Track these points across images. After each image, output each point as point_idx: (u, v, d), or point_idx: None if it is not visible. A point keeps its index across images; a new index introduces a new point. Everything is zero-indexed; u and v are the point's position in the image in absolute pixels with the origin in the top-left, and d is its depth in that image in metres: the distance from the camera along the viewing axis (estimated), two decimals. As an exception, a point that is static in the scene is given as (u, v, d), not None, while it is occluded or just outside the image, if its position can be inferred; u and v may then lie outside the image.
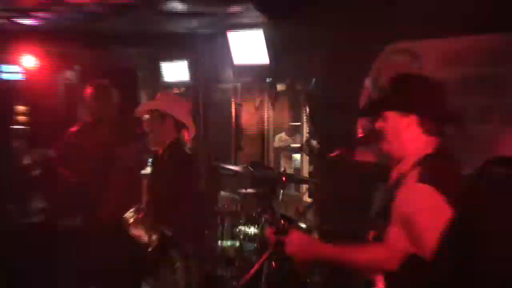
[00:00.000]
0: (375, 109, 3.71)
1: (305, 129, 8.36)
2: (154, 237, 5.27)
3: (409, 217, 3.29)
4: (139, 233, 5.31)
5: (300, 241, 3.17)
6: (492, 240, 3.45)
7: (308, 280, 5.74)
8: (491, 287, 3.37)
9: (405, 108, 3.49)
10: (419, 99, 3.50)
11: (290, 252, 3.17)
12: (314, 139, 7.65)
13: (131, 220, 5.32)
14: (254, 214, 6.50)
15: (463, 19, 5.36)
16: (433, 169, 3.34)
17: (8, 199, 8.81)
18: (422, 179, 3.29)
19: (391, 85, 3.72)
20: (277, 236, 3.18)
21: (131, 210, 5.38)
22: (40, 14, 7.95)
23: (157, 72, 10.60)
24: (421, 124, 3.49)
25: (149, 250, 5.31)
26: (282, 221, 3.22)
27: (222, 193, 9.12)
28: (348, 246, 3.40)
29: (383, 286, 3.48)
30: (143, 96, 9.55)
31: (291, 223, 3.24)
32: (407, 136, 3.51)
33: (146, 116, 5.71)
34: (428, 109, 3.50)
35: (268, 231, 3.26)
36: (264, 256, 3.76)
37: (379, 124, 3.61)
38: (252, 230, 6.50)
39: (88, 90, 6.78)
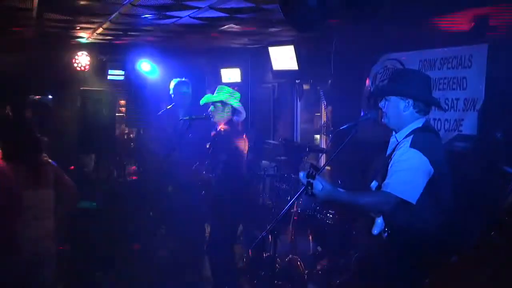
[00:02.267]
0: (383, 93, 3.72)
1: (323, 116, 8.34)
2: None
3: (401, 173, 3.30)
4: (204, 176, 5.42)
5: (323, 185, 3.17)
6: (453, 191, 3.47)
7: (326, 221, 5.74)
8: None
9: (404, 94, 3.50)
10: (414, 87, 3.51)
11: (316, 192, 3.18)
12: (329, 123, 7.65)
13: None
14: (285, 175, 6.51)
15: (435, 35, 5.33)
16: (421, 139, 3.37)
17: (113, 165, 8.86)
18: (413, 146, 3.32)
19: (395, 76, 3.73)
20: (308, 179, 3.18)
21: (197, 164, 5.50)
22: (139, 33, 8.01)
23: (218, 76, 10.62)
24: (415, 106, 3.50)
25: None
26: (312, 169, 3.21)
27: (264, 161, 9.15)
28: (355, 192, 3.41)
29: (380, 221, 3.50)
30: (208, 92, 9.58)
31: (318, 170, 3.22)
32: (404, 114, 3.53)
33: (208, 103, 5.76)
34: (421, 95, 3.51)
35: (302, 174, 3.25)
36: (294, 199, 3.78)
37: (381, 105, 3.62)
38: (284, 186, 6.52)
39: (172, 85, 6.83)
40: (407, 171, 3.30)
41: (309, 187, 3.16)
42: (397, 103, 3.54)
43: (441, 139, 3.63)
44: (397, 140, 3.55)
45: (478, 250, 2.55)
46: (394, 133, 3.62)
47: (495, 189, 2.78)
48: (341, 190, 3.29)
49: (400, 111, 3.54)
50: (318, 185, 3.17)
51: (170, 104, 6.94)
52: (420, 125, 3.51)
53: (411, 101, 3.51)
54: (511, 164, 2.62)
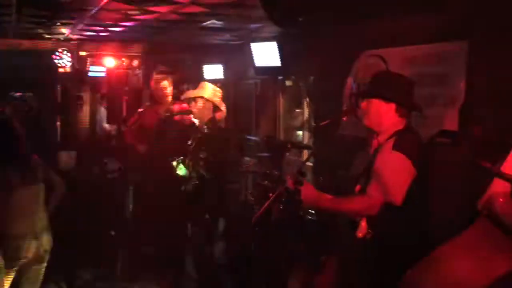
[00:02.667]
0: (365, 94, 3.74)
1: (306, 112, 8.36)
2: (193, 175, 5.36)
3: (385, 176, 3.32)
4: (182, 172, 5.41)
5: (310, 191, 3.19)
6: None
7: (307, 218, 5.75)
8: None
9: (387, 98, 3.52)
10: (398, 92, 3.53)
11: (303, 197, 3.21)
12: (311, 119, 7.67)
13: (175, 164, 5.43)
14: (268, 171, 6.51)
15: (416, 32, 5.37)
16: (403, 141, 3.40)
17: (93, 162, 8.83)
18: (395, 148, 3.34)
19: (378, 78, 3.75)
20: (296, 185, 3.20)
21: (177, 159, 5.46)
22: (116, 29, 7.98)
23: (200, 72, 10.61)
24: (397, 110, 3.52)
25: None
26: (299, 175, 3.24)
27: (246, 158, 9.16)
28: (341, 197, 3.45)
29: (365, 225, 3.52)
30: (190, 88, 9.56)
31: (305, 176, 3.25)
32: (385, 117, 3.54)
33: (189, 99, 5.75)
34: (403, 99, 3.53)
35: (289, 181, 3.28)
36: (271, 199, 3.78)
37: (363, 105, 3.63)
38: (266, 182, 6.51)
39: (153, 81, 6.81)
40: (391, 174, 3.33)
41: (297, 194, 3.20)
42: (379, 106, 3.56)
43: (421, 139, 3.65)
44: (379, 142, 3.57)
45: (454, 244, 2.59)
46: (375, 135, 3.64)
47: (475, 185, 2.82)
48: (326, 195, 3.33)
49: (381, 114, 3.55)
50: (306, 191, 3.20)
51: (151, 101, 6.93)
52: (402, 126, 3.53)
53: (393, 106, 3.52)
54: (489, 159, 2.65)
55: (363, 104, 3.65)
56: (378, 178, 3.36)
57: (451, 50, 5.04)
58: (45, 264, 4.64)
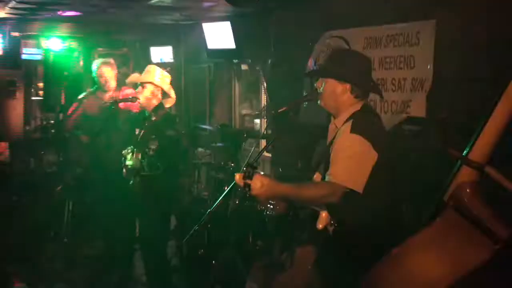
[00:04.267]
0: (318, 74, 3.76)
1: (263, 99, 8.38)
2: (141, 167, 5.35)
3: (344, 160, 3.34)
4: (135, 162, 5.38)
5: (262, 183, 3.17)
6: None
7: (266, 213, 5.78)
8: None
9: (342, 78, 3.54)
10: (353, 71, 3.55)
11: (255, 192, 3.18)
12: (270, 106, 7.70)
13: (128, 155, 5.39)
14: (222, 163, 6.52)
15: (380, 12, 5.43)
16: (360, 123, 3.41)
17: (29, 154, 8.69)
18: (353, 131, 3.36)
19: (333, 57, 3.78)
20: (244, 180, 3.18)
21: (127, 149, 5.43)
22: (57, 7, 7.84)
23: (148, 55, 10.53)
24: (353, 91, 3.54)
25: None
26: (248, 168, 3.21)
27: (199, 148, 9.16)
28: (299, 184, 3.42)
29: (326, 215, 3.55)
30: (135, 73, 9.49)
31: (255, 169, 3.22)
32: (341, 98, 3.56)
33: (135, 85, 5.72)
34: (359, 79, 3.55)
35: (237, 176, 3.25)
36: (225, 193, 3.78)
37: (318, 85, 3.66)
38: (221, 175, 6.53)
39: (95, 65, 6.74)
40: (350, 158, 3.31)
41: (247, 189, 3.18)
42: (333, 87, 3.58)
43: (382, 121, 3.69)
44: (336, 127, 3.60)
45: (420, 237, 2.63)
46: (332, 118, 3.66)
47: (442, 171, 2.87)
48: (284, 183, 3.32)
49: (337, 95, 3.57)
50: (257, 183, 3.17)
51: (93, 86, 6.86)
52: (359, 107, 3.56)
53: (348, 85, 3.56)
54: (457, 146, 2.70)
55: (318, 83, 3.68)
56: (337, 164, 3.38)
57: (418, 30, 5.12)
58: None
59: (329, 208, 3.51)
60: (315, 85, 3.77)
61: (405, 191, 3.70)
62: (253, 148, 6.33)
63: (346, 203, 3.33)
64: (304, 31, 6.63)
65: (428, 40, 4.97)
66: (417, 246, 2.64)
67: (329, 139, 3.66)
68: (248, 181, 3.16)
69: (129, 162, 5.46)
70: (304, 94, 6.53)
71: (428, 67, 4.97)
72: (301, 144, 6.08)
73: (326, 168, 3.47)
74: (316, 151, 5.06)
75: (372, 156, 3.33)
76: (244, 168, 3.21)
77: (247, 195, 3.21)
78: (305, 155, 5.61)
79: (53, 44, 9.84)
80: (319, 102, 3.67)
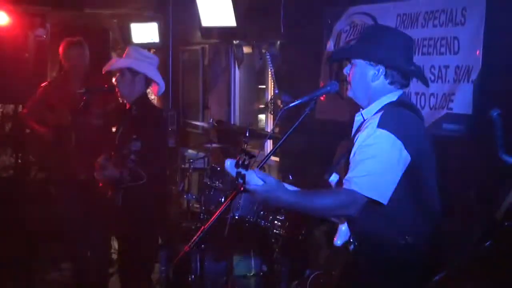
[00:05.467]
0: (346, 55, 3.73)
1: (271, 89, 8.37)
2: (125, 174, 5.31)
3: (368, 162, 3.29)
4: (112, 173, 5.32)
5: (263, 178, 3.12)
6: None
7: (272, 231, 5.77)
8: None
9: (373, 58, 3.51)
10: (388, 51, 3.51)
11: (252, 187, 3.11)
12: (278, 99, 7.69)
13: (103, 164, 5.34)
14: (218, 168, 6.49)
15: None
16: (392, 116, 3.36)
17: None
18: (381, 125, 3.31)
19: (364, 34, 3.75)
20: (238, 168, 3.10)
21: (102, 157, 5.37)
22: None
23: (128, 34, 10.51)
24: (387, 75, 3.51)
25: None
26: (243, 155, 3.11)
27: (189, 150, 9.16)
28: (310, 192, 3.37)
29: (345, 229, 3.52)
30: (113, 56, 9.44)
31: (252, 157, 3.13)
32: (373, 85, 3.53)
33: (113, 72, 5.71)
34: (396, 61, 3.52)
35: (228, 163, 3.17)
36: (223, 206, 3.74)
37: (346, 70, 3.63)
38: (217, 183, 6.50)
39: (62, 47, 6.73)
40: (374, 160, 3.26)
41: (241, 180, 3.10)
42: (364, 70, 3.53)
43: (423, 117, 3.65)
44: (363, 118, 3.56)
45: (468, 264, 2.60)
46: (361, 109, 3.63)
47: (493, 184, 2.84)
48: (290, 187, 3.28)
49: (368, 81, 3.52)
50: (254, 178, 3.11)
51: (60, 72, 6.86)
52: (395, 99, 3.53)
53: (382, 68, 3.50)
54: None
55: (346, 69, 3.64)
56: (358, 166, 3.33)
57: (464, 5, 5.09)
58: None
59: (348, 221, 3.49)
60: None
61: (444, 203, 3.67)
62: (257, 151, 6.31)
63: (369, 216, 3.30)
64: (322, 5, 6.61)
65: (477, 18, 4.94)
66: (466, 275, 2.62)
67: (352, 133, 3.62)
68: (243, 172, 3.09)
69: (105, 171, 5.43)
70: (322, 83, 6.52)
71: (477, 52, 4.94)
72: (317, 146, 6.06)
73: (346, 170, 3.44)
74: (337, 156, 5.04)
75: (403, 158, 3.29)
76: (238, 155, 3.13)
77: (241, 189, 3.15)
78: (321, 159, 5.58)
79: (9, 19, 9.81)
80: (347, 92, 3.64)
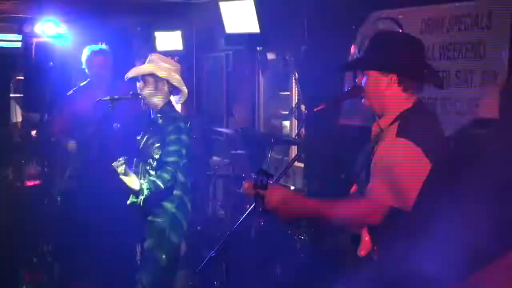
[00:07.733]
0: (356, 66, 3.72)
1: (294, 96, 8.36)
2: (144, 186, 5.27)
3: (389, 171, 3.29)
4: (130, 181, 5.28)
5: (280, 195, 3.12)
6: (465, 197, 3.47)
7: (298, 237, 5.75)
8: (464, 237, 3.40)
9: (385, 67, 3.50)
10: (398, 58, 3.50)
11: (272, 205, 3.12)
12: (302, 105, 7.67)
13: (121, 169, 5.28)
14: (243, 175, 6.51)
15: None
16: (411, 124, 3.36)
17: (7, 164, 8.72)
18: (400, 133, 3.31)
19: (374, 43, 3.73)
20: (256, 190, 3.10)
21: (120, 160, 5.31)
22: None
23: (151, 41, 10.56)
24: (400, 83, 3.50)
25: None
26: (260, 175, 3.12)
27: (214, 157, 9.16)
28: (331, 201, 3.38)
29: (368, 239, 3.49)
30: (137, 64, 9.49)
31: (270, 177, 3.13)
32: (387, 94, 3.52)
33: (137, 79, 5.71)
34: (407, 67, 3.50)
35: (246, 185, 3.18)
36: (248, 212, 3.74)
37: (360, 80, 3.63)
38: (242, 190, 6.50)
39: (85, 55, 6.76)
40: (396, 169, 3.27)
41: (260, 202, 3.11)
42: (377, 80, 3.52)
43: (439, 122, 3.63)
44: (380, 128, 3.55)
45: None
46: (377, 118, 3.61)
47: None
48: (308, 199, 3.27)
49: (382, 90, 3.51)
50: (274, 195, 3.12)
51: (85, 80, 6.89)
52: (410, 105, 3.51)
53: (394, 77, 3.50)
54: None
55: (360, 78, 3.64)
56: (379, 175, 3.33)
57: (490, 9, 5.06)
58: None
59: (370, 230, 3.46)
60: (357, 79, 3.73)
61: (471, 212, 3.63)
62: (281, 157, 6.30)
63: (391, 225, 3.29)
64: (346, 11, 6.59)
65: (503, 22, 4.91)
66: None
67: (371, 144, 3.62)
68: (261, 191, 3.09)
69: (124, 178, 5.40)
70: (346, 89, 6.50)
71: (503, 56, 4.91)
72: (342, 152, 6.04)
73: (367, 179, 3.43)
74: (359, 161, 5.03)
75: (424, 165, 3.28)
76: (255, 175, 3.14)
77: (260, 209, 3.15)
78: (346, 165, 5.57)
79: (35, 28, 9.89)
80: (364, 103, 3.63)
